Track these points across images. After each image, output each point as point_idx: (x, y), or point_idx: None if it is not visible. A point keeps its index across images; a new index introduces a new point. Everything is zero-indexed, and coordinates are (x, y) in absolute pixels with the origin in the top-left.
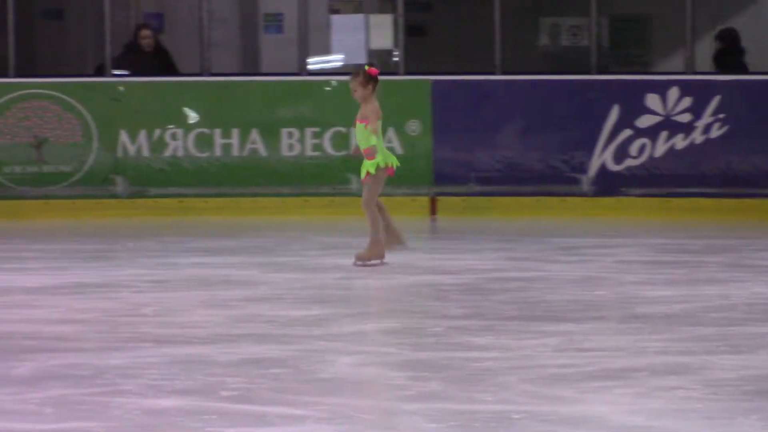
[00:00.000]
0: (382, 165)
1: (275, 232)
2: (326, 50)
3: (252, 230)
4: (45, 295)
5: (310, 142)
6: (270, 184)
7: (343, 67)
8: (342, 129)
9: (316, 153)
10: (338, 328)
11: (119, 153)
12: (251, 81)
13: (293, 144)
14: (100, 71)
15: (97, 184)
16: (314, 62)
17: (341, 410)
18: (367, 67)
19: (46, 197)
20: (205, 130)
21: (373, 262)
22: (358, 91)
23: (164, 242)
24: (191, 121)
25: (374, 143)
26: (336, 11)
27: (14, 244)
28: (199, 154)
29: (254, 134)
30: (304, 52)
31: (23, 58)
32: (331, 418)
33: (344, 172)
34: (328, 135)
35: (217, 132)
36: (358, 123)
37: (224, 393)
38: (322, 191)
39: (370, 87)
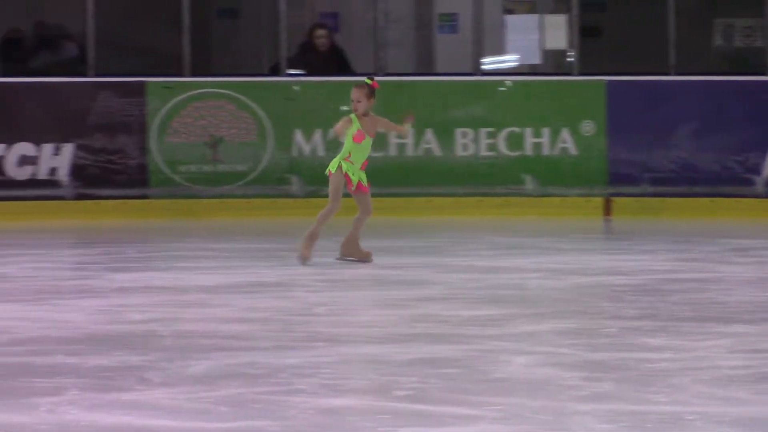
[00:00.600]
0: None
1: (449, 232)
2: (500, 51)
3: (426, 230)
4: (220, 294)
5: (484, 142)
6: (444, 184)
7: (518, 67)
8: (516, 129)
9: (491, 153)
10: (512, 329)
11: (294, 152)
12: (425, 81)
13: (467, 144)
14: (275, 70)
15: (272, 183)
16: (488, 62)
17: (514, 410)
18: (369, 81)
19: (222, 196)
20: (380, 130)
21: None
22: (362, 103)
23: (338, 242)
24: None
25: (368, 155)
26: (510, 11)
27: (190, 242)
28: (373, 154)
29: (428, 134)
30: (479, 52)
31: (198, 58)
32: (505, 418)
33: (518, 172)
34: (502, 135)
35: (392, 132)
36: (369, 137)
37: (398, 393)
38: (496, 191)
39: (372, 101)
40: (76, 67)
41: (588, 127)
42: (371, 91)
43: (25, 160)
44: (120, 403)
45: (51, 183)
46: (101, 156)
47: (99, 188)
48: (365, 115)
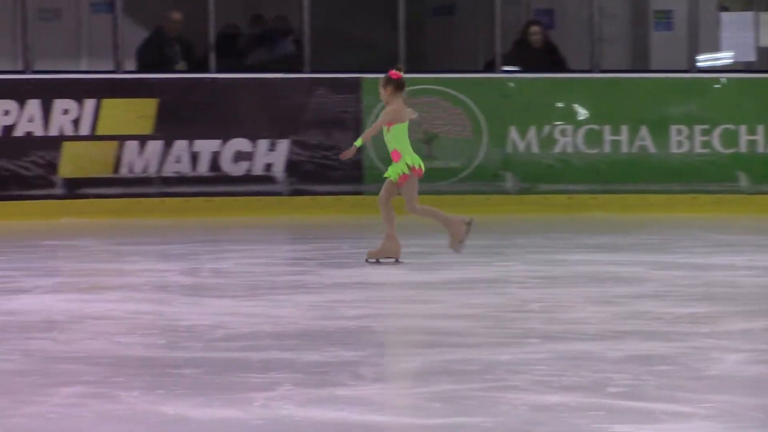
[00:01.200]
0: (409, 166)
1: (663, 229)
2: (715, 48)
3: (640, 227)
4: (434, 290)
5: (698, 139)
6: (658, 181)
7: (732, 64)
8: (731, 126)
9: (705, 150)
10: (725, 326)
11: (509, 149)
12: (641, 78)
13: (682, 141)
14: (489, 67)
15: (487, 180)
16: (704, 59)
17: (728, 408)
18: (392, 69)
19: (437, 192)
20: (594, 127)
21: (386, 259)
22: (381, 93)
23: (553, 238)
24: (580, 118)
25: (395, 146)
26: (725, 8)
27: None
28: (588, 151)
29: (643, 131)
30: (694, 50)
31: (413, 54)
32: (718, 415)
33: (733, 169)
34: (717, 132)
35: (606, 128)
36: (384, 127)
37: (611, 389)
38: (711, 188)
39: (390, 89)
40: (292, 63)
41: None
42: (386, 81)
43: (240, 156)
44: (333, 398)
45: (266, 179)
46: (316, 152)
47: (314, 184)
48: (388, 104)
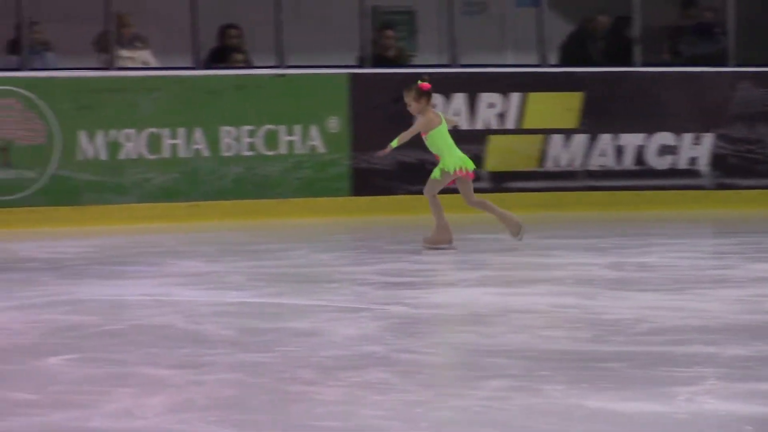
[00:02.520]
0: (449, 170)
1: None
2: None
3: None
4: None
5: None
6: None
7: None
8: None
9: None
10: None
11: None
12: None
13: None
14: None
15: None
16: None
17: None
18: (420, 82)
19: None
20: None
21: (441, 246)
22: (413, 106)
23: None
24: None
25: (434, 152)
26: None
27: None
28: None
29: None
30: None
31: None
32: None
33: None
34: None
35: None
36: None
37: None
38: None
39: (423, 101)
40: (717, 56)
41: None
42: (419, 94)
43: (665, 150)
44: (758, 393)
45: (690, 173)
46: (740, 146)
47: (739, 178)
48: (422, 114)
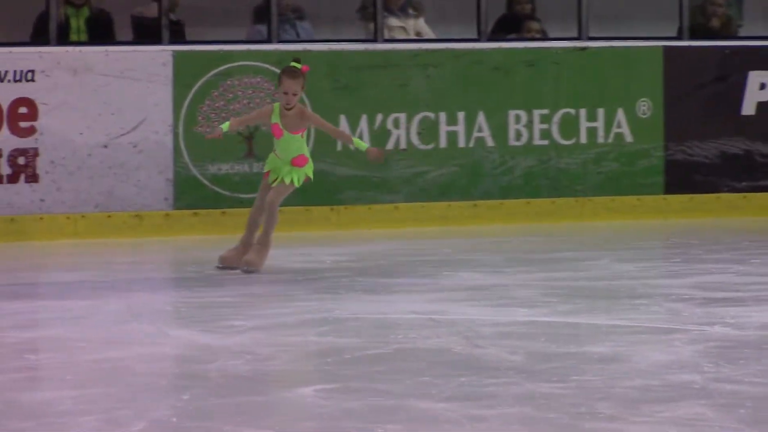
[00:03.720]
0: (311, 176)
1: None
2: None
3: None
4: None
5: None
6: None
7: None
8: None
9: None
10: None
11: None
12: None
13: None
14: None
15: None
16: None
17: None
18: (301, 66)
19: None
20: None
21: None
22: (298, 95)
23: None
24: None
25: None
26: None
27: None
28: None
29: None
30: None
31: None
32: None
33: None
34: None
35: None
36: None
37: None
38: None
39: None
40: None
41: None
42: (304, 78)
43: None
44: None
45: None
46: None
47: None
48: (291, 108)
